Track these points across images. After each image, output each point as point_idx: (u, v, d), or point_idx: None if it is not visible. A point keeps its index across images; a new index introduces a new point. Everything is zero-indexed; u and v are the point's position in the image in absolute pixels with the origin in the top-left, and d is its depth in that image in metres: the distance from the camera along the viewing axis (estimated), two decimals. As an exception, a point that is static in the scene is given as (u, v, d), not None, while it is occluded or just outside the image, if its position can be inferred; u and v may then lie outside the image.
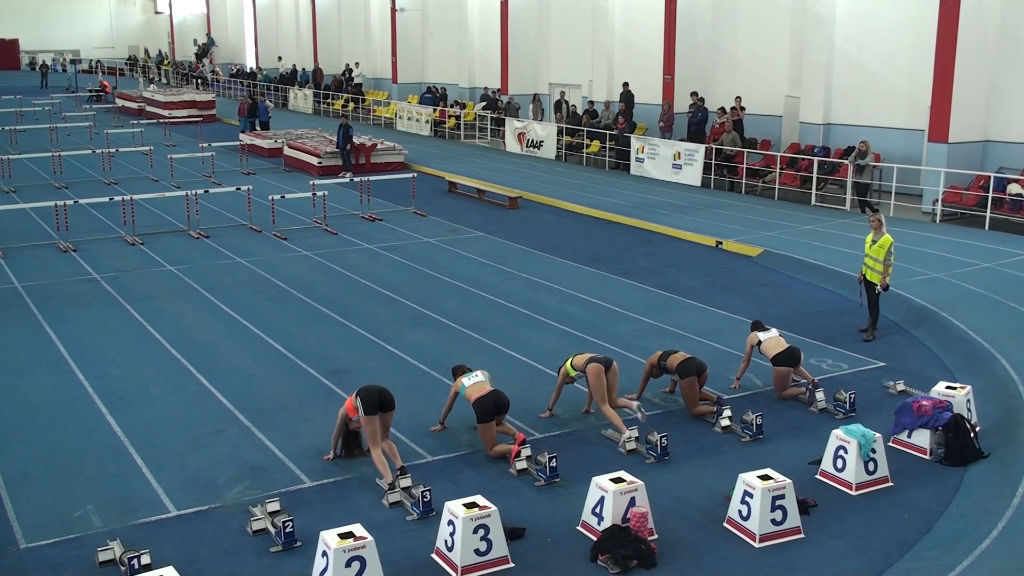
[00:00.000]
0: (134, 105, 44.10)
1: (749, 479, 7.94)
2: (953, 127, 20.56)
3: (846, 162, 21.70)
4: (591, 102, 31.11)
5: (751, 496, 7.86)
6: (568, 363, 10.20)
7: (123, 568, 7.27)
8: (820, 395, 10.65)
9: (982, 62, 20.68)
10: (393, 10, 42.85)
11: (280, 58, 53.70)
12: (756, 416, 9.94)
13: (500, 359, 12.19)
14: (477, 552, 7.36)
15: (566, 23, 34.26)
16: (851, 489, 8.70)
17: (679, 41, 27.61)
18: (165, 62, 67.10)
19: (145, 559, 7.25)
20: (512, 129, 32.24)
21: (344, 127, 26.93)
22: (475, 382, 9.56)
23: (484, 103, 35.39)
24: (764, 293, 15.46)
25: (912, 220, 20.28)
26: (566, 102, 31.70)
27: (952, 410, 9.54)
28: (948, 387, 10.12)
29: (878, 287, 12.88)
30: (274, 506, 8.14)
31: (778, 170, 23.47)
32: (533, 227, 20.69)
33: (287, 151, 29.62)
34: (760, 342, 11.03)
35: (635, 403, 9.91)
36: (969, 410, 9.95)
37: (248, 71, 56.07)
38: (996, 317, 13.32)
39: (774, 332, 11.23)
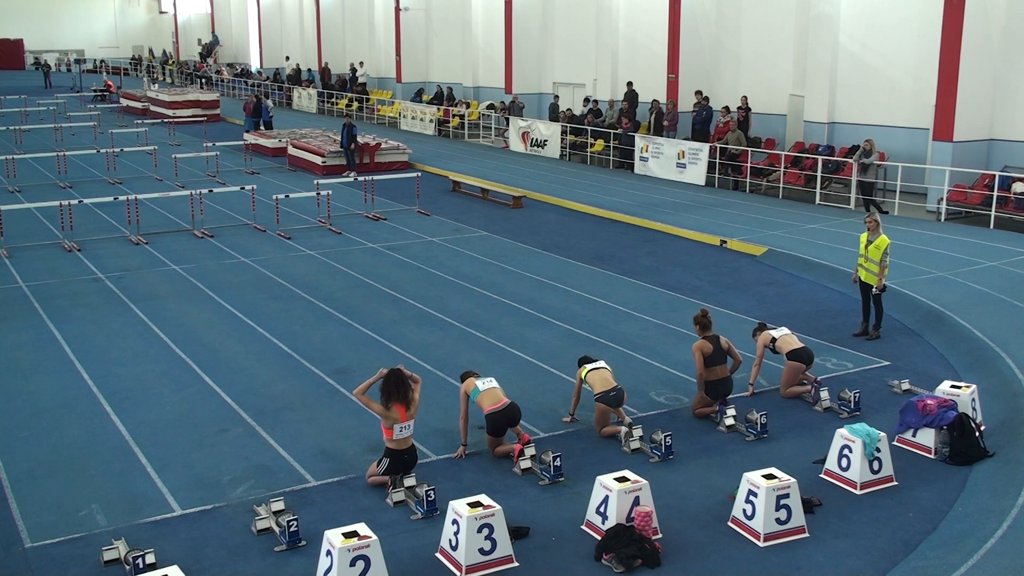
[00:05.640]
0: (139, 105, 44.14)
1: (753, 478, 7.93)
2: (958, 126, 20.53)
3: (851, 161, 21.67)
4: (595, 101, 31.09)
5: (755, 495, 7.85)
6: (584, 375, 10.08)
7: (128, 567, 7.28)
8: (824, 394, 10.64)
9: (987, 60, 20.65)
10: (397, 9, 42.88)
11: (287, 57, 53.78)
12: (760, 415, 9.93)
13: (504, 358, 12.19)
14: (481, 551, 7.36)
15: (570, 22, 34.25)
16: (856, 488, 8.69)
17: (683, 40, 27.57)
18: (170, 62, 67.19)
19: (150, 558, 7.26)
20: (516, 128, 32.23)
21: (348, 126, 26.94)
22: (489, 388, 9.42)
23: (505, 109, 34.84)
24: (768, 292, 15.45)
25: (917, 219, 20.26)
26: (568, 109, 31.54)
27: (957, 409, 9.51)
28: (953, 386, 10.09)
29: (874, 288, 12.85)
30: (278, 505, 8.14)
31: (782, 169, 23.46)
32: (537, 226, 20.69)
33: (291, 151, 29.65)
34: (774, 339, 11.01)
35: (623, 429, 9.83)
36: (974, 409, 9.92)
37: (257, 71, 56.03)
38: (1001, 316, 13.29)
39: (785, 330, 11.23)
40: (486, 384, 9.48)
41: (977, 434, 9.43)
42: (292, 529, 7.76)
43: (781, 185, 23.27)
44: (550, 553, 7.71)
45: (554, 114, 31.94)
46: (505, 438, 9.44)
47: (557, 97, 32.66)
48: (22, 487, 8.79)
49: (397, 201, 23.10)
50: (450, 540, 7.50)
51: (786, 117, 26.08)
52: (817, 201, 22.26)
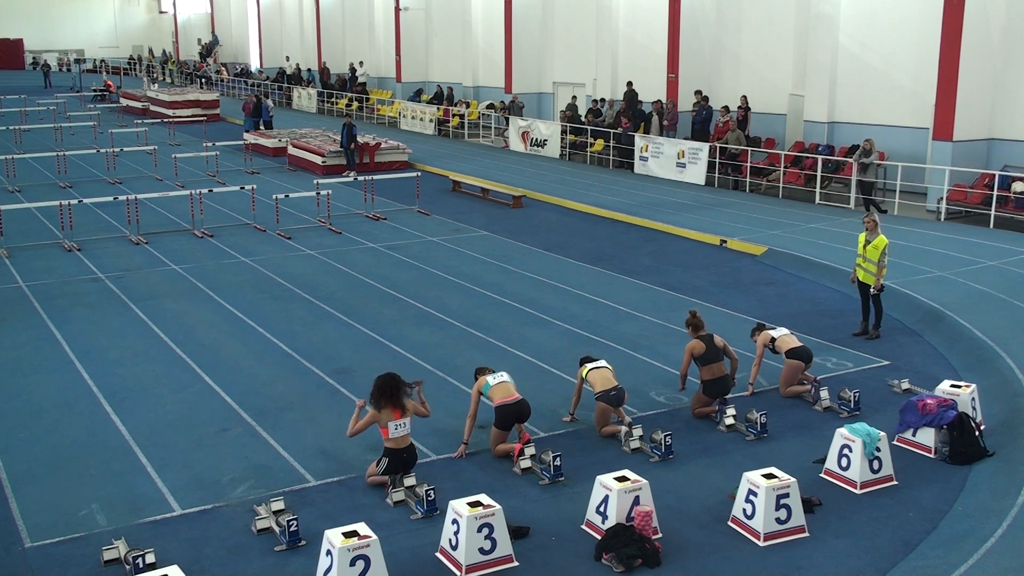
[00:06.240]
0: (138, 104, 44.13)
1: (753, 478, 7.93)
2: (958, 125, 20.53)
3: (850, 160, 21.67)
4: (596, 100, 31.09)
5: (755, 495, 7.85)
6: (585, 374, 10.09)
7: (128, 567, 7.28)
8: (824, 393, 10.64)
9: (987, 60, 20.64)
10: (397, 9, 42.88)
11: (288, 57, 53.77)
12: (760, 415, 9.93)
13: (504, 358, 12.19)
14: (481, 551, 7.37)
15: (570, 22, 34.25)
16: (855, 488, 8.69)
17: (683, 40, 27.57)
18: (169, 62, 67.18)
19: (149, 558, 7.26)
20: (516, 128, 32.23)
21: (348, 126, 26.94)
22: (500, 382, 9.44)
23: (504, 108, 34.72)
24: (768, 292, 15.45)
25: (917, 218, 20.26)
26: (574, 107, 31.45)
27: (957, 408, 9.51)
28: (953, 385, 10.09)
29: (872, 288, 12.85)
30: (278, 505, 8.14)
31: (782, 169, 23.46)
32: (537, 226, 20.69)
33: (291, 150, 29.66)
34: (774, 339, 11.03)
35: (623, 429, 9.83)
36: (974, 408, 9.92)
37: (258, 70, 55.96)
38: (1001, 315, 13.29)
39: (784, 330, 11.25)
40: (498, 378, 9.49)
41: (977, 434, 9.43)
42: (292, 529, 7.76)
43: (781, 185, 23.27)
44: (550, 553, 7.71)
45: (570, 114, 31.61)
46: (508, 437, 9.44)
47: (575, 97, 32.27)
48: (22, 487, 8.79)
49: (397, 201, 23.10)
50: (450, 540, 7.51)
51: (786, 117, 26.08)
52: (817, 201, 22.26)
